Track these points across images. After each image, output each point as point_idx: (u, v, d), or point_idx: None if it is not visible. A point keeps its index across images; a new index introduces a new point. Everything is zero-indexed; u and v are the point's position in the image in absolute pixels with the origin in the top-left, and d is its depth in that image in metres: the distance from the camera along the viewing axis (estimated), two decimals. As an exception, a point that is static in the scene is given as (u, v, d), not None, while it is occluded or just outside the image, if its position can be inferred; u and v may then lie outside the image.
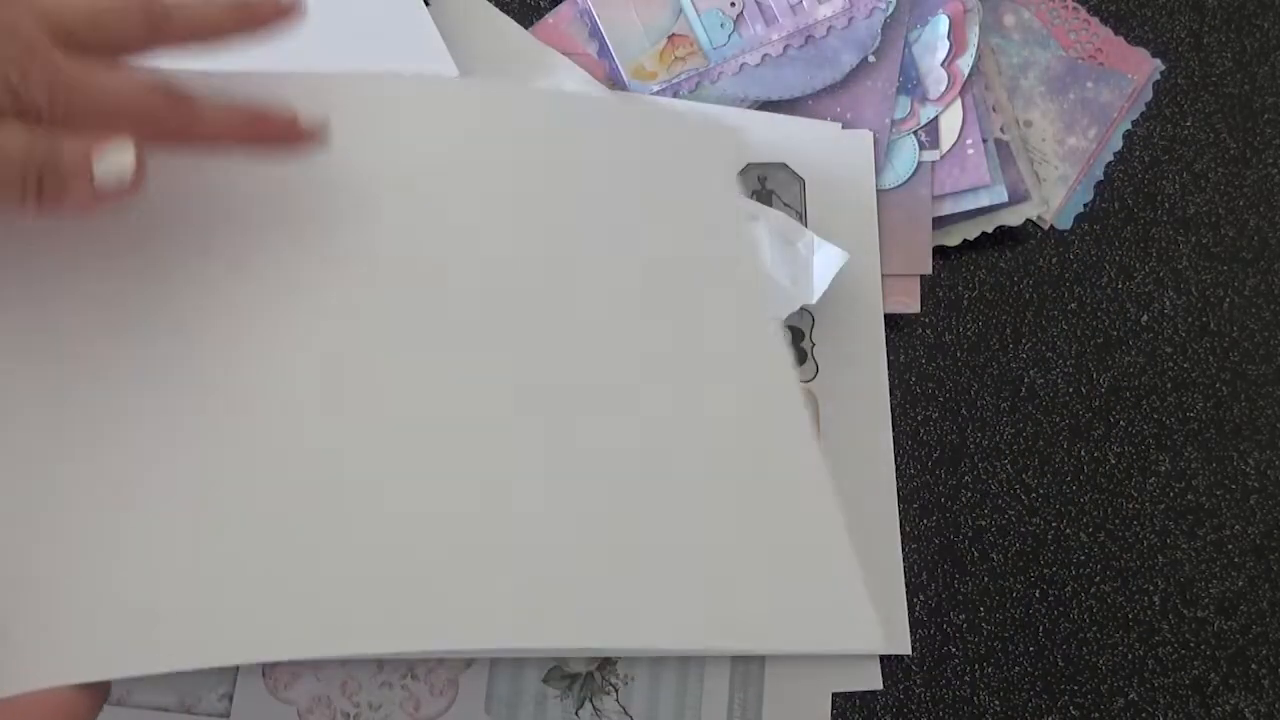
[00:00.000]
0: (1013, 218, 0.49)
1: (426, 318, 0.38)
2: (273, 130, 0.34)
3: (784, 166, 0.48)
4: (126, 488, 0.34)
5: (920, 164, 0.48)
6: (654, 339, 0.41)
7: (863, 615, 0.40)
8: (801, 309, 0.45)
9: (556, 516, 0.38)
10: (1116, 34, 0.52)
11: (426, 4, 0.48)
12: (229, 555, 0.34)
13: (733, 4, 0.49)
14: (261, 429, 0.36)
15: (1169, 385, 0.49)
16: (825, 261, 0.45)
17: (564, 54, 0.49)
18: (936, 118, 0.49)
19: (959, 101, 0.49)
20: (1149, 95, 0.52)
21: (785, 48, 0.49)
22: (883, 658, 0.45)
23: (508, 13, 0.50)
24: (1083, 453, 0.48)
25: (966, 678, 0.46)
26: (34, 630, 0.32)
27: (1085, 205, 0.51)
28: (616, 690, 0.44)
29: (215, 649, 0.33)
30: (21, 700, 0.30)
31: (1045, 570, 0.47)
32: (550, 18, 0.50)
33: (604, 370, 0.40)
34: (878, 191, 0.48)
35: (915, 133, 0.49)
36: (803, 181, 0.48)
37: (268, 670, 0.43)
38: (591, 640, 0.38)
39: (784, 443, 0.42)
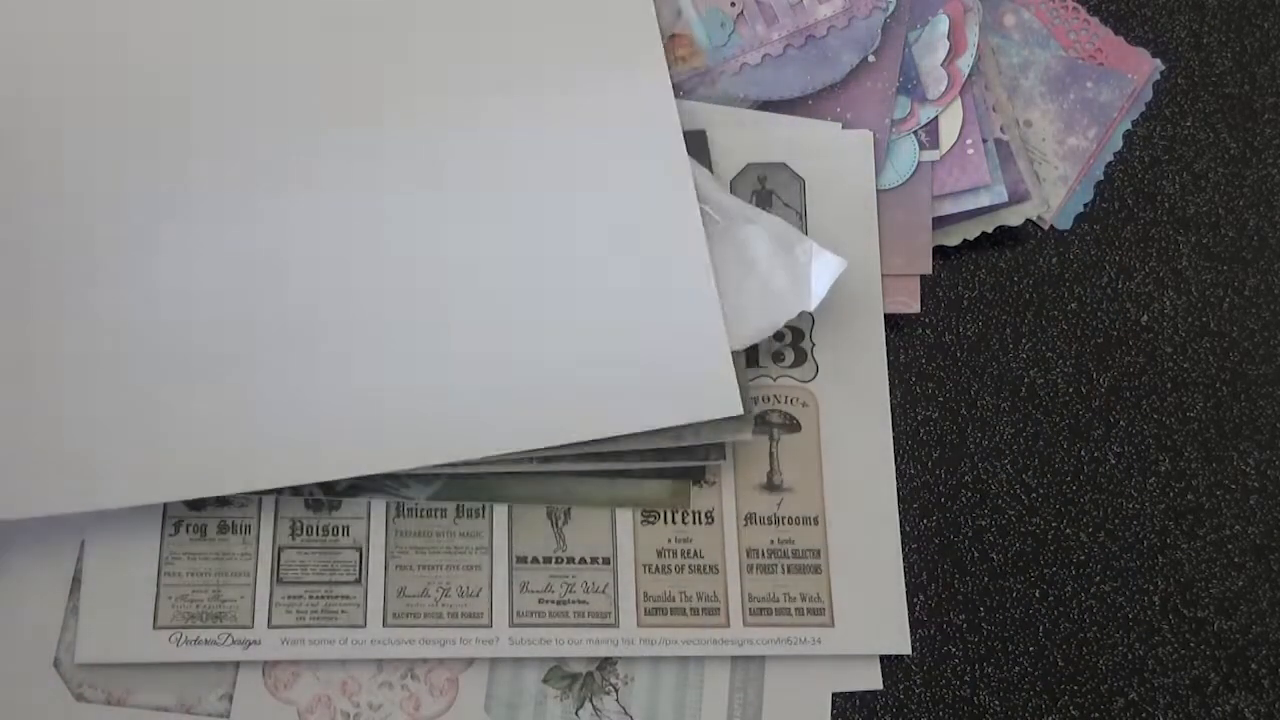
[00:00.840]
0: (1013, 218, 0.49)
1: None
2: None
3: (784, 166, 0.48)
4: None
5: (920, 164, 0.48)
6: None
7: (725, 382, 0.43)
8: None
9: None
10: (1116, 34, 0.52)
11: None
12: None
13: (733, 4, 0.49)
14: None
15: (1169, 385, 0.49)
16: (824, 268, 0.45)
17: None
18: (936, 118, 0.49)
19: (959, 101, 0.49)
20: (1149, 95, 0.52)
21: (785, 47, 0.49)
22: (883, 658, 0.45)
23: (508, 13, 0.50)
24: (1083, 453, 0.48)
25: (966, 678, 0.46)
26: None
27: (1085, 205, 0.51)
28: (616, 690, 0.44)
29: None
30: None
31: (1045, 570, 0.47)
32: (550, 18, 0.50)
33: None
34: (878, 191, 0.48)
35: (915, 133, 0.49)
36: (803, 181, 0.48)
37: (268, 670, 0.43)
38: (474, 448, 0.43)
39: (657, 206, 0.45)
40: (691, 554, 0.45)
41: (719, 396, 0.43)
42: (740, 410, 0.43)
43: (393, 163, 0.45)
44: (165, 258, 0.44)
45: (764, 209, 0.47)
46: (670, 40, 0.49)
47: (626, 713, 0.44)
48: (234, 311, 0.43)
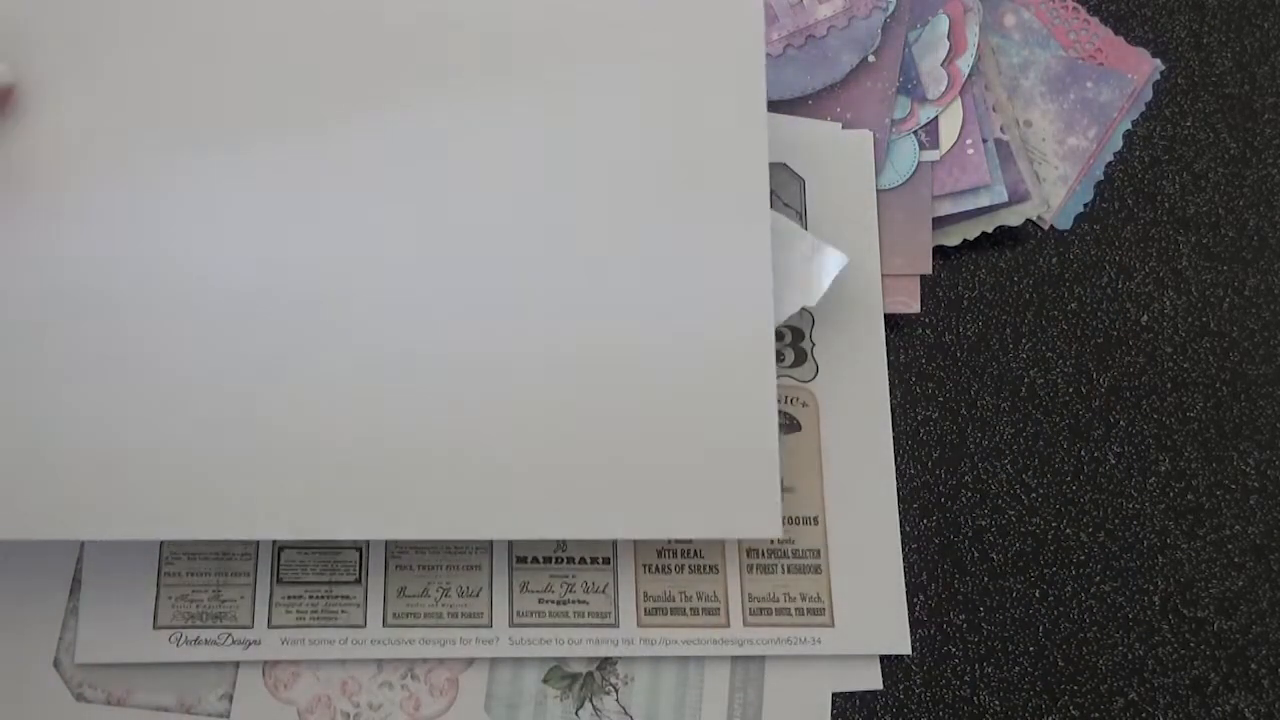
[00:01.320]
0: (1013, 218, 0.49)
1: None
2: None
3: (784, 166, 0.48)
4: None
5: (920, 164, 0.48)
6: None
7: (769, 504, 0.41)
8: (801, 309, 0.45)
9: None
10: (1116, 34, 0.52)
11: None
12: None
13: (733, 4, 0.49)
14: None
15: (1169, 385, 0.49)
16: (825, 264, 0.45)
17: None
18: (936, 118, 0.49)
19: (959, 101, 0.49)
20: (1149, 95, 0.52)
21: (785, 47, 0.49)
22: (883, 658, 0.45)
23: (508, 13, 0.50)
24: (1083, 453, 0.48)
25: (966, 678, 0.46)
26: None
27: (1085, 205, 0.51)
28: (616, 690, 0.44)
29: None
30: None
31: (1045, 570, 0.47)
32: (550, 18, 0.50)
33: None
34: (878, 191, 0.48)
35: (915, 133, 0.49)
36: (803, 181, 0.48)
37: (268, 670, 0.43)
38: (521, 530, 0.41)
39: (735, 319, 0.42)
40: (691, 554, 0.45)
41: (759, 517, 0.41)
42: (780, 533, 0.41)
43: (421, 207, 0.42)
44: (162, 272, 0.42)
45: (764, 209, 0.47)
46: (670, 40, 0.49)
47: (626, 713, 0.44)
48: (234, 337, 0.41)
